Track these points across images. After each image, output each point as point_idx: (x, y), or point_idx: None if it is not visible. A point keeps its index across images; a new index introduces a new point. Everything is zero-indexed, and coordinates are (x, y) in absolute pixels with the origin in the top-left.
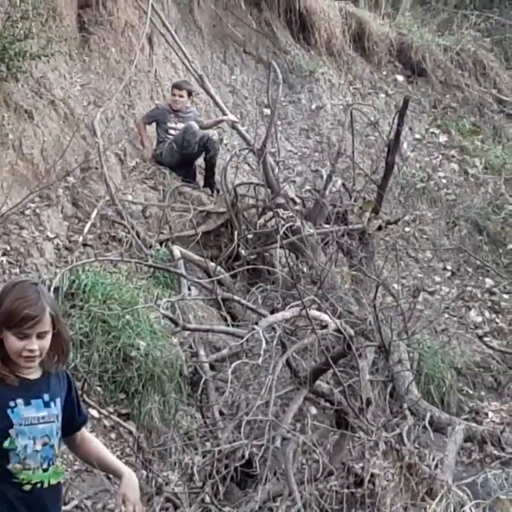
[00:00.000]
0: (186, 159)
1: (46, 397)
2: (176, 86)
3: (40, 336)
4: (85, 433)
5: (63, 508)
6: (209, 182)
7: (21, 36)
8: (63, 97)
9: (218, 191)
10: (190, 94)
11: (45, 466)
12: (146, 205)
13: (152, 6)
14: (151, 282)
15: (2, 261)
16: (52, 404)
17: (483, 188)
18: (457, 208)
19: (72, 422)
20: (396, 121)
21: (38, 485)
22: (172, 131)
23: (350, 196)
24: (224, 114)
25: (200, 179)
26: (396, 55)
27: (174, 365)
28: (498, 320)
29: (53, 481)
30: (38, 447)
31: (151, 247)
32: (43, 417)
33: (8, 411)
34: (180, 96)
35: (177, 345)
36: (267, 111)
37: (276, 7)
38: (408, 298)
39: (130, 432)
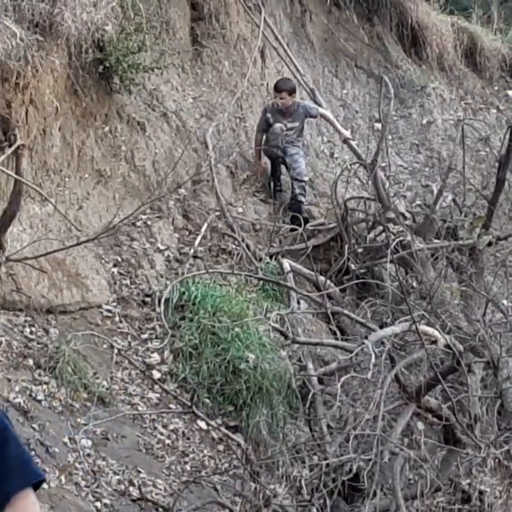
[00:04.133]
0: (272, 161)
1: None
2: (275, 88)
3: None
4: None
5: None
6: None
7: (135, 49)
8: (175, 109)
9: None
10: (291, 93)
11: None
12: (256, 220)
13: (265, 19)
14: (261, 295)
15: (113, 272)
16: None
17: None
18: None
19: None
20: (507, 136)
21: None
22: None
23: (460, 212)
24: (336, 127)
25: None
26: (508, 70)
27: (283, 378)
28: None
29: None
30: None
31: (260, 260)
32: None
33: None
34: (281, 98)
35: (286, 358)
36: (378, 125)
37: (388, 22)
38: None
39: (238, 444)
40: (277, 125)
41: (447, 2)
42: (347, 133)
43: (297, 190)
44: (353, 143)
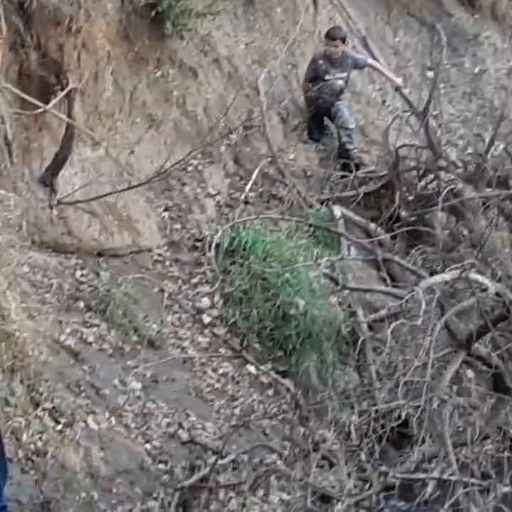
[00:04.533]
0: (319, 111)
1: None
2: (328, 36)
3: None
4: None
5: (220, 461)
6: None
7: None
8: (227, 55)
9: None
10: (344, 40)
11: None
12: (307, 166)
13: None
14: (311, 241)
15: (164, 216)
16: None
17: None
18: None
19: None
20: None
21: None
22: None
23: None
24: (386, 76)
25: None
26: None
27: (332, 324)
28: None
29: None
30: None
31: (311, 206)
32: None
33: None
34: (335, 46)
35: (335, 304)
36: (430, 74)
37: None
38: None
39: (288, 389)
40: (339, 82)
41: None
42: (399, 81)
43: (344, 139)
44: (405, 91)
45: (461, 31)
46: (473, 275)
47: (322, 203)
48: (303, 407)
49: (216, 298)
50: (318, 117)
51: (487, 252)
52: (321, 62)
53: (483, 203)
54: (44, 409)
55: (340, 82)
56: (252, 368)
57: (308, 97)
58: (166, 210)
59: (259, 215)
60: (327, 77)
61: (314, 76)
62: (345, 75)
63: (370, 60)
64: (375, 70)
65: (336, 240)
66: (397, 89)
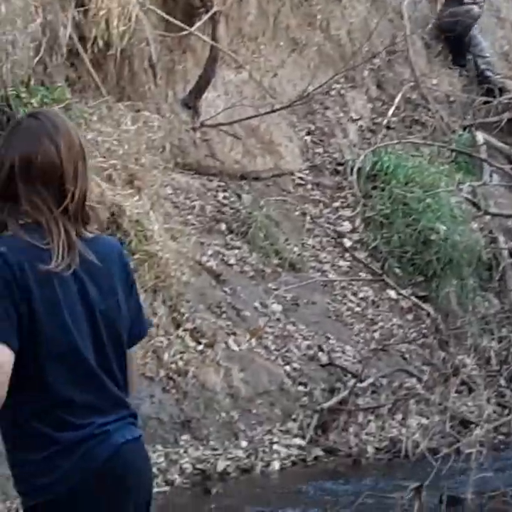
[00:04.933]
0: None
1: None
2: None
3: None
4: None
5: (359, 384)
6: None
7: None
8: None
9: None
10: None
11: None
12: (450, 92)
13: None
14: (453, 167)
15: (306, 140)
16: None
17: None
18: None
19: None
20: None
21: None
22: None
23: None
24: None
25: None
26: None
27: (473, 250)
28: None
29: None
30: None
31: (454, 131)
32: None
33: None
34: None
35: (477, 230)
36: None
37: None
38: None
39: (428, 314)
40: (476, 9)
41: None
42: None
43: (483, 66)
44: None
45: None
46: None
47: (465, 129)
48: (443, 332)
49: (357, 222)
50: (456, 43)
51: None
52: None
53: None
54: (185, 330)
55: (477, 9)
56: (392, 293)
57: (442, 22)
58: (308, 133)
59: (401, 140)
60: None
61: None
62: (482, 1)
63: None
64: None
65: (477, 165)
66: None
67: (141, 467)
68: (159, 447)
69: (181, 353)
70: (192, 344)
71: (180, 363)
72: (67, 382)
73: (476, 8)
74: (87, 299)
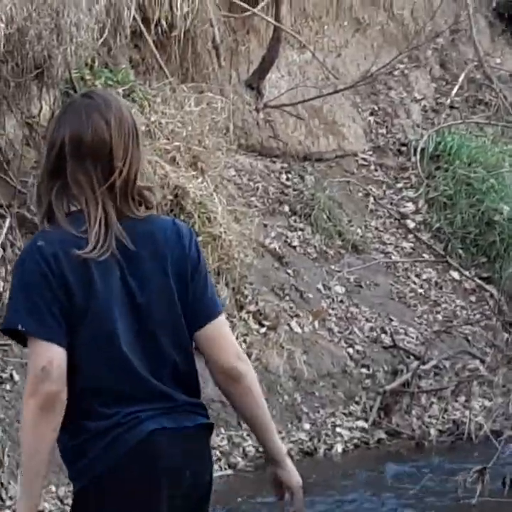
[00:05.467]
0: None
1: None
2: None
3: None
4: None
5: (422, 367)
6: None
7: None
8: None
9: None
10: None
11: None
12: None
13: None
14: None
15: (370, 121)
16: None
17: None
18: None
19: None
20: None
21: None
22: None
23: None
24: None
25: None
26: None
27: None
28: None
29: None
30: None
31: None
32: None
33: None
34: None
35: None
36: None
37: None
38: None
39: (491, 295)
40: None
41: None
42: None
43: None
44: None
45: None
46: None
47: None
48: (506, 314)
49: (420, 203)
50: None
51: None
52: None
53: None
54: (248, 312)
55: None
56: (455, 274)
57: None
58: (371, 114)
59: (464, 120)
60: None
61: None
62: None
63: None
64: None
65: None
66: None
67: (180, 456)
68: (222, 430)
69: (244, 335)
70: (255, 326)
71: (244, 346)
72: (99, 370)
73: None
74: (127, 284)
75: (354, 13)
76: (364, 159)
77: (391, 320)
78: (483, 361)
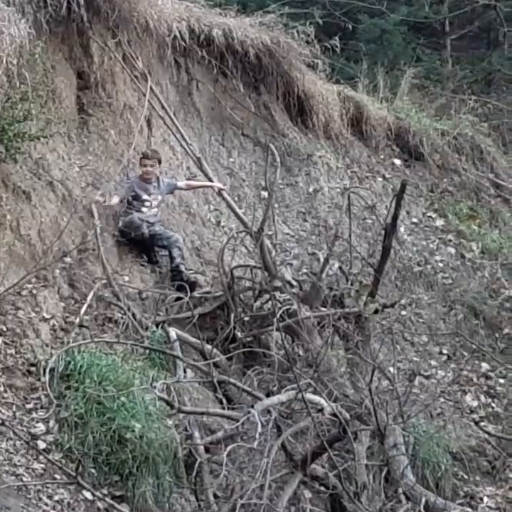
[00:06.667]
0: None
1: None
2: (145, 156)
3: None
4: None
5: None
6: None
7: (20, 118)
8: (61, 178)
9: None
10: (160, 162)
11: None
12: (142, 288)
13: (151, 88)
14: (147, 364)
15: None
16: None
17: (480, 272)
18: (454, 292)
19: None
20: (393, 204)
21: None
22: (147, 203)
23: (347, 279)
24: (205, 185)
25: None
26: (394, 139)
27: (169, 447)
28: (493, 405)
29: None
30: None
31: (147, 328)
32: None
33: None
34: (152, 166)
35: (172, 427)
36: (265, 194)
37: (274, 90)
38: (404, 382)
39: None
40: (148, 212)
41: (333, 71)
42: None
43: (177, 260)
44: (240, 211)
45: (295, 151)
46: (309, 396)
47: (157, 325)
48: None
49: (51, 423)
50: (141, 244)
51: (323, 371)
52: (133, 181)
53: (319, 322)
54: None
55: (149, 211)
56: (88, 494)
57: (122, 231)
58: (0, 335)
59: (94, 339)
60: (144, 196)
61: (127, 194)
62: (160, 198)
63: (180, 183)
64: (193, 187)
65: (171, 362)
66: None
67: None
68: None
69: None
70: None
71: None
72: None
73: (146, 210)
74: None
75: None
76: None
77: None
78: None
